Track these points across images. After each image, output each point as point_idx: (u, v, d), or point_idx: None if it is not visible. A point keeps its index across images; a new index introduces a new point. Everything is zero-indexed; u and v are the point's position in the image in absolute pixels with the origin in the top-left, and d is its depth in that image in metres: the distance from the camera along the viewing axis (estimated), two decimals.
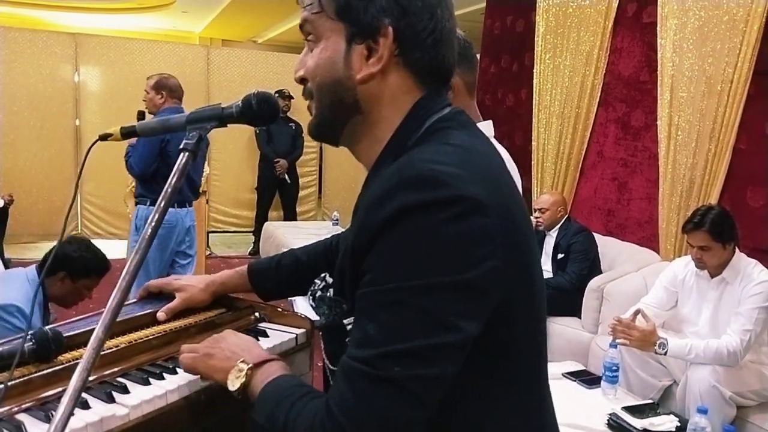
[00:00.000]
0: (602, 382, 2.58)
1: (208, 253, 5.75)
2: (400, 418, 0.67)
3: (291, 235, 5.16)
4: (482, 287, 0.69)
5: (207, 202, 5.24)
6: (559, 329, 3.66)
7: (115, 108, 6.18)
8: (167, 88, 3.75)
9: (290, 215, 6.60)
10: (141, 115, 3.77)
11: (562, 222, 3.93)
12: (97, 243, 6.21)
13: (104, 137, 0.99)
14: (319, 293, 0.84)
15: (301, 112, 6.01)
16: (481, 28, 5.74)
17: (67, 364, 1.02)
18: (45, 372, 0.98)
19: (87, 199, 6.14)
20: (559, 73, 4.70)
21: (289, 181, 6.39)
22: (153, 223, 0.83)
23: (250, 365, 0.84)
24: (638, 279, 3.50)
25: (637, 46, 4.16)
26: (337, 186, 7.20)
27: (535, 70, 4.89)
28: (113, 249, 6.01)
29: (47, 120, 6.04)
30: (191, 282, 1.32)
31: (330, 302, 0.82)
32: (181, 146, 0.90)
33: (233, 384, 0.84)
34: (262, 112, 0.93)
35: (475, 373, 0.74)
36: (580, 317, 3.63)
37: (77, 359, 1.05)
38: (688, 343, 2.66)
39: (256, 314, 1.37)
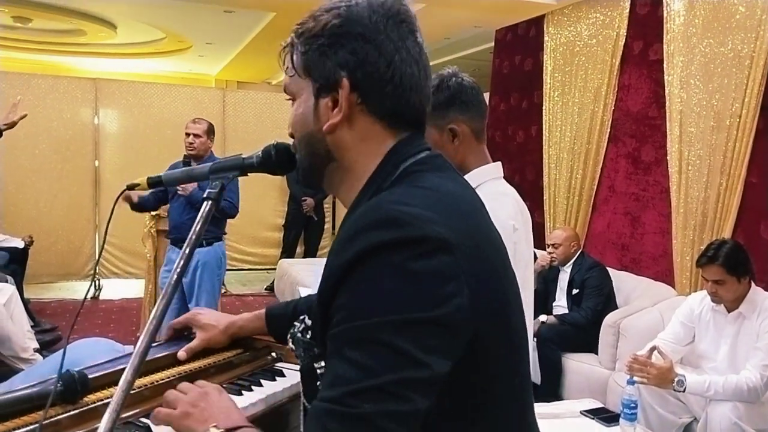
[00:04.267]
0: (620, 420, 2.55)
1: (223, 291, 5.78)
2: None
3: (305, 272, 5.19)
4: (450, 324, 0.70)
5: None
6: (576, 365, 3.63)
7: (133, 150, 6.33)
8: (213, 134, 3.85)
9: (312, 252, 6.67)
10: (187, 160, 3.76)
11: (575, 257, 3.93)
12: (115, 282, 6.29)
13: (131, 187, 1.04)
14: (298, 335, 0.86)
15: None
16: (490, 67, 5.84)
17: (92, 405, 1.05)
18: (72, 413, 1.01)
19: (108, 240, 6.26)
20: (568, 109, 4.76)
21: (315, 219, 6.51)
22: (179, 270, 0.88)
23: (221, 430, 0.82)
24: (654, 314, 3.47)
25: (645, 83, 4.21)
26: None
27: (544, 107, 4.97)
28: (130, 288, 6.11)
29: (67, 162, 6.19)
30: (212, 321, 1.35)
31: (304, 345, 0.84)
32: (205, 195, 0.95)
33: None
34: (281, 162, 0.97)
35: (450, 415, 0.74)
36: (596, 353, 3.60)
37: (102, 400, 1.08)
38: (707, 380, 2.63)
39: (273, 354, 1.40)
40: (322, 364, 0.79)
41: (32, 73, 6.74)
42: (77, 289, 6.17)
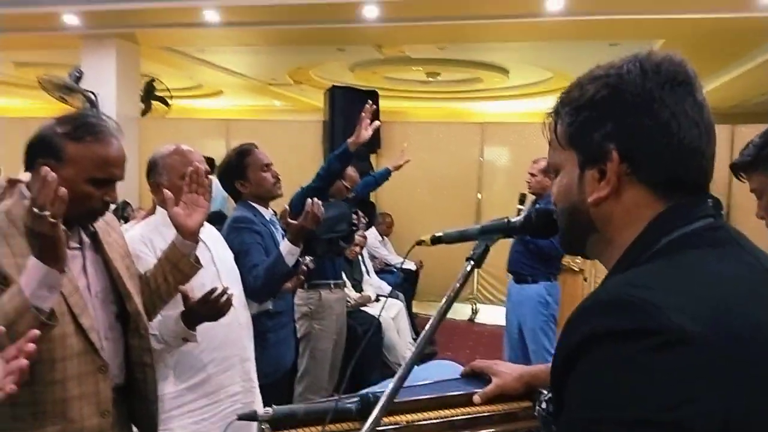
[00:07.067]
0: None
1: None
2: None
3: None
4: (684, 429, 0.60)
5: (585, 280, 5.22)
6: None
7: (511, 184, 6.78)
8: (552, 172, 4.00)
9: None
10: (522, 197, 4.08)
11: None
12: (488, 308, 6.77)
13: (419, 243, 1.19)
14: (543, 405, 0.84)
15: None
16: None
17: (380, 428, 1.23)
18: (359, 430, 1.20)
19: (482, 267, 6.82)
20: None
21: None
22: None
23: None
24: None
25: None
26: None
27: None
28: (497, 314, 6.48)
29: (454, 195, 7.04)
30: (507, 369, 1.40)
31: (543, 420, 0.82)
32: (468, 256, 1.03)
33: None
34: (540, 226, 1.00)
35: None
36: None
37: (392, 424, 1.25)
38: None
39: None
40: None
41: (432, 122, 7.92)
42: (456, 310, 6.88)
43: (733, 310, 0.66)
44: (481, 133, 7.12)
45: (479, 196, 7.06)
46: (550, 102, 0.88)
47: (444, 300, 1.00)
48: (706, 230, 0.75)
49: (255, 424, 2.03)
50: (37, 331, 1.06)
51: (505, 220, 1.05)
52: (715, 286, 0.68)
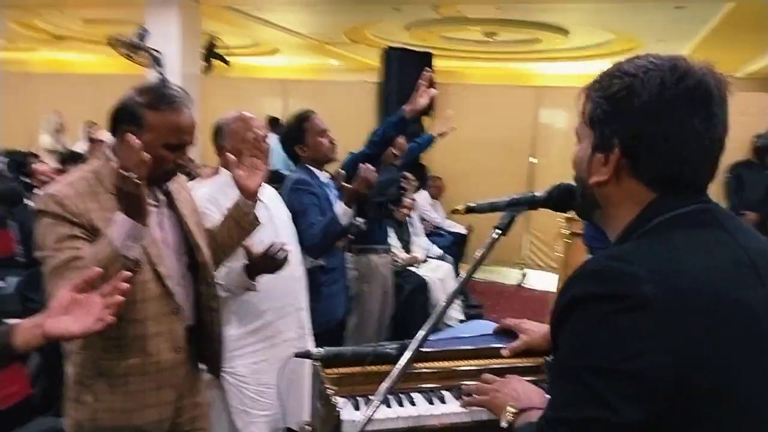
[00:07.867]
0: None
1: None
2: None
3: None
4: (639, 377, 0.74)
5: None
6: None
7: (567, 149, 6.66)
8: None
9: None
10: None
11: None
12: (537, 273, 6.80)
13: (454, 211, 1.32)
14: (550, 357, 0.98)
15: None
16: None
17: (414, 370, 1.38)
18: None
19: (532, 233, 6.87)
20: None
21: None
22: None
23: (516, 410, 1.04)
24: None
25: None
26: None
27: None
28: (552, 281, 6.50)
29: (507, 159, 7.02)
30: (534, 327, 1.53)
31: (548, 367, 0.95)
32: (495, 225, 1.15)
33: (502, 420, 1.06)
34: (561, 200, 1.11)
35: None
36: None
37: (427, 368, 1.41)
38: None
39: None
40: None
41: (487, 84, 7.87)
42: (506, 275, 6.94)
43: (695, 281, 0.79)
44: (536, 96, 7.05)
45: (532, 160, 7.04)
46: (610, 65, 0.93)
47: (471, 264, 1.13)
48: (693, 213, 0.86)
49: (307, 365, 2.26)
50: (129, 273, 1.25)
51: (531, 194, 1.16)
52: (685, 259, 0.81)
